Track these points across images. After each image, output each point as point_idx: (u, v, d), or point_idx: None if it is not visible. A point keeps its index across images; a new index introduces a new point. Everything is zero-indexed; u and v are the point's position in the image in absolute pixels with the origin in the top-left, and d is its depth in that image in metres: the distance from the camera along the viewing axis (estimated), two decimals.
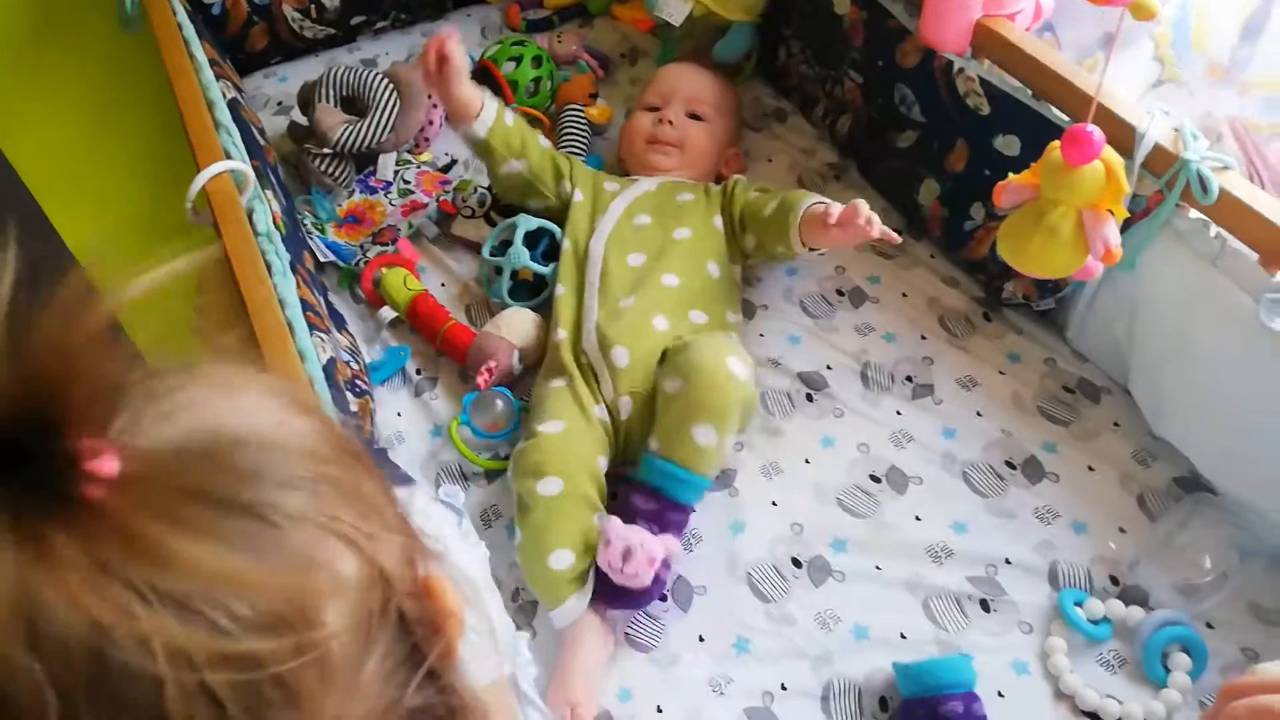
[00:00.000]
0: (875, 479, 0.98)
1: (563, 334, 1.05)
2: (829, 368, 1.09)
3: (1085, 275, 0.84)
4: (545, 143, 1.21)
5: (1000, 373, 1.08)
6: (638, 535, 0.86)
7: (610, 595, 0.88)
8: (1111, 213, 0.79)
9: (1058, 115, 1.00)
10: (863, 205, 0.99)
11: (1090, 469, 0.99)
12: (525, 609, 0.93)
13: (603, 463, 0.98)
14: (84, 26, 1.41)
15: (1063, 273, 0.84)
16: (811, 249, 1.07)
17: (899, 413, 1.05)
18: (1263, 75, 1.10)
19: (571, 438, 0.96)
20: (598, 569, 0.87)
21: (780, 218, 1.07)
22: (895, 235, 1.01)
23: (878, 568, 0.92)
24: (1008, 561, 0.92)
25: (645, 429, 0.97)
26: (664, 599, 0.91)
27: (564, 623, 0.88)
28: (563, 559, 0.89)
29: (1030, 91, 1.03)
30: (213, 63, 1.08)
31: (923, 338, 1.12)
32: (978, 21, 1.07)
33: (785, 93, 1.45)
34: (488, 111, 1.13)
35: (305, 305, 0.85)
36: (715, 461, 0.93)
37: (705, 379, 0.92)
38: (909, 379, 1.08)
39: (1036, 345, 1.10)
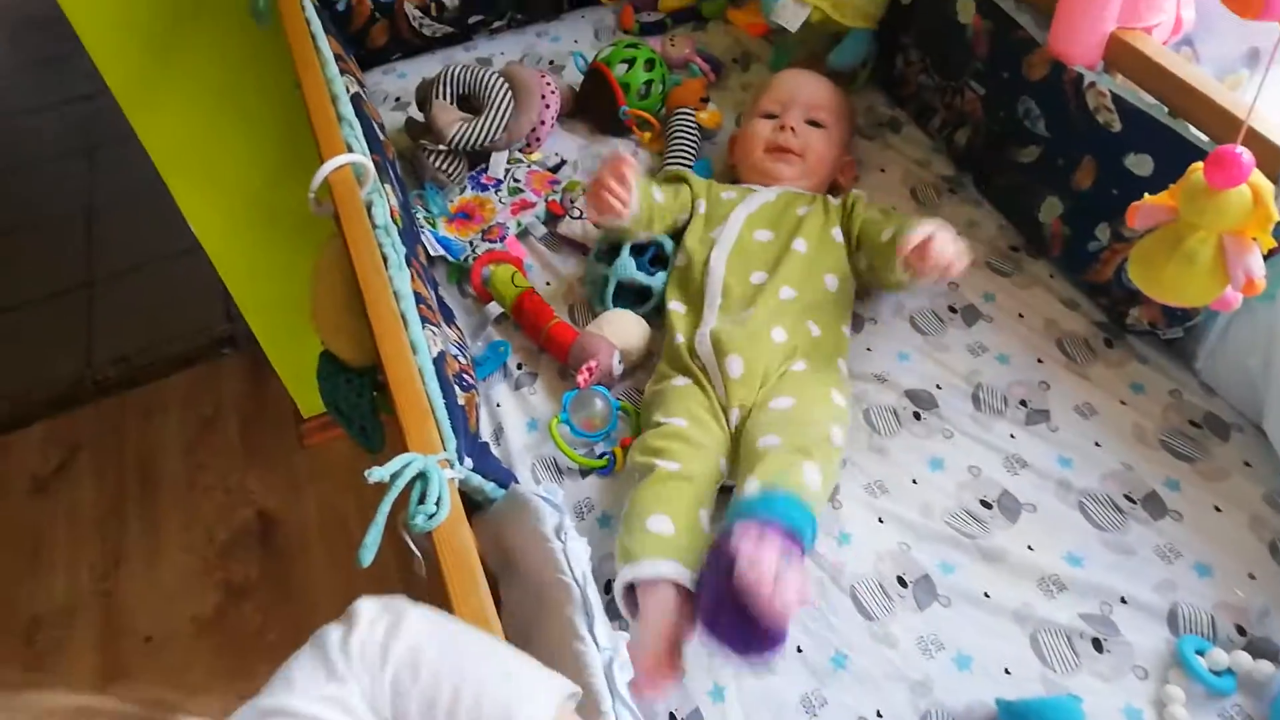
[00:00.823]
0: (986, 504, 0.95)
1: (680, 338, 1.05)
2: (939, 387, 1.06)
3: (1223, 306, 0.79)
4: (660, 196, 1.15)
5: (1121, 402, 1.03)
6: (784, 564, 0.76)
7: (726, 630, 0.77)
8: (1256, 241, 0.75)
9: (1196, 135, 0.95)
10: (939, 241, 0.98)
11: (1217, 509, 0.93)
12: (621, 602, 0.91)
13: (723, 465, 0.96)
14: (218, 17, 1.46)
15: (1199, 302, 0.79)
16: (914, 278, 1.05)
17: (1012, 436, 1.01)
18: None
19: (695, 433, 0.95)
20: (704, 587, 0.82)
21: (888, 249, 1.05)
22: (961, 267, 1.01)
23: (986, 595, 0.89)
24: (1124, 600, 0.88)
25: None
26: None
27: (641, 574, 0.84)
28: (661, 523, 0.87)
29: (1167, 109, 0.99)
30: (337, 58, 1.11)
31: (1039, 361, 1.07)
32: (1112, 34, 1.03)
33: (901, 102, 1.41)
34: (630, 209, 1.09)
35: (418, 298, 0.86)
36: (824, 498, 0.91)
37: (815, 414, 0.92)
38: (1023, 403, 1.04)
39: (1161, 375, 1.05)
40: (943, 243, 0.99)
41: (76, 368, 2.40)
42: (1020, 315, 1.12)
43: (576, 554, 0.79)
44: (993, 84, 1.19)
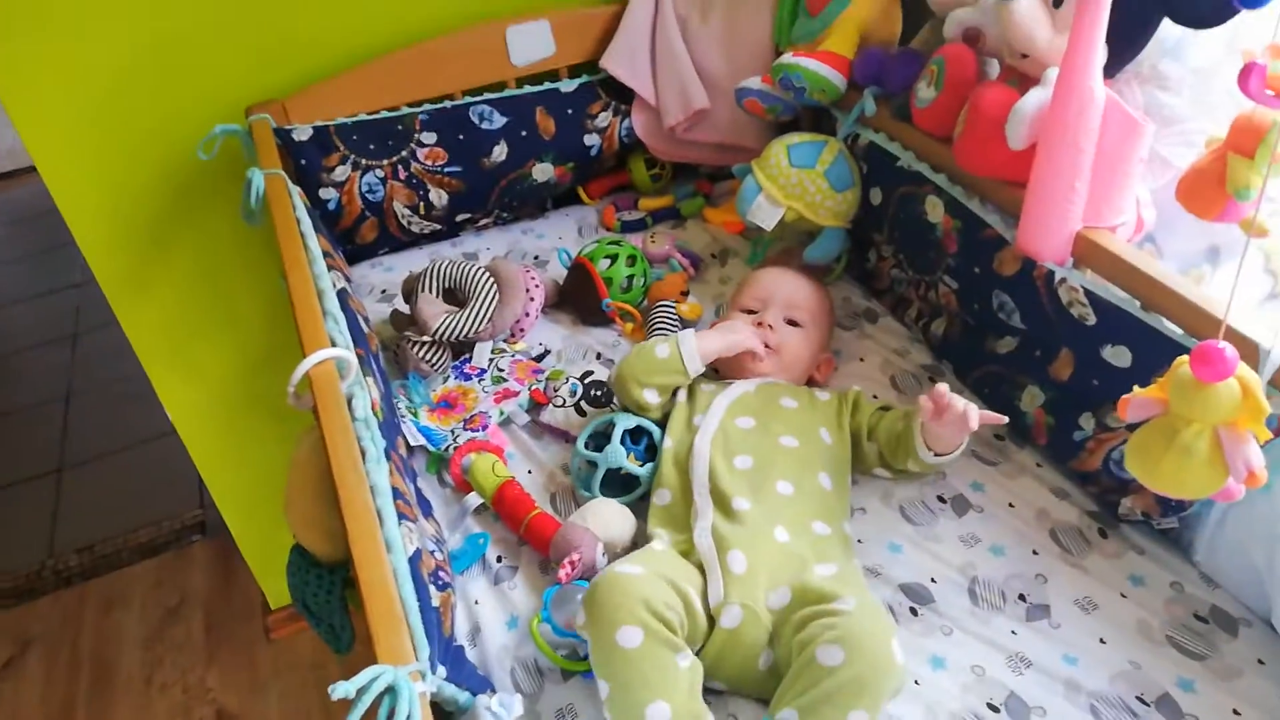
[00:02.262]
0: (993, 708, 0.89)
1: (663, 538, 1.01)
2: (933, 580, 1.02)
3: (1226, 497, 0.78)
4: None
5: (1122, 595, 1.00)
6: None
7: None
8: (1252, 432, 0.74)
9: (1170, 328, 0.97)
10: (946, 397, 1.02)
11: (1236, 713, 0.88)
12: None
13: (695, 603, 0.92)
14: (207, 214, 1.51)
15: (1202, 494, 0.78)
16: (938, 454, 1.06)
17: (1013, 633, 0.96)
18: None
19: (653, 577, 0.90)
20: None
21: (907, 431, 1.07)
22: (998, 417, 1.03)
23: None
24: None
25: (746, 657, 0.91)
26: None
27: None
28: (660, 713, 0.82)
29: (1139, 303, 1.01)
30: (326, 254, 1.13)
31: (1034, 553, 1.04)
32: (1078, 233, 1.07)
33: (877, 294, 1.45)
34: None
35: (396, 493, 0.83)
36: None
37: (873, 663, 0.82)
38: (1022, 597, 1.00)
39: (1160, 567, 1.02)
40: (953, 397, 1.02)
41: (37, 557, 2.31)
42: (1011, 505, 1.10)
43: None
44: (966, 279, 1.22)
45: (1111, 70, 1.06)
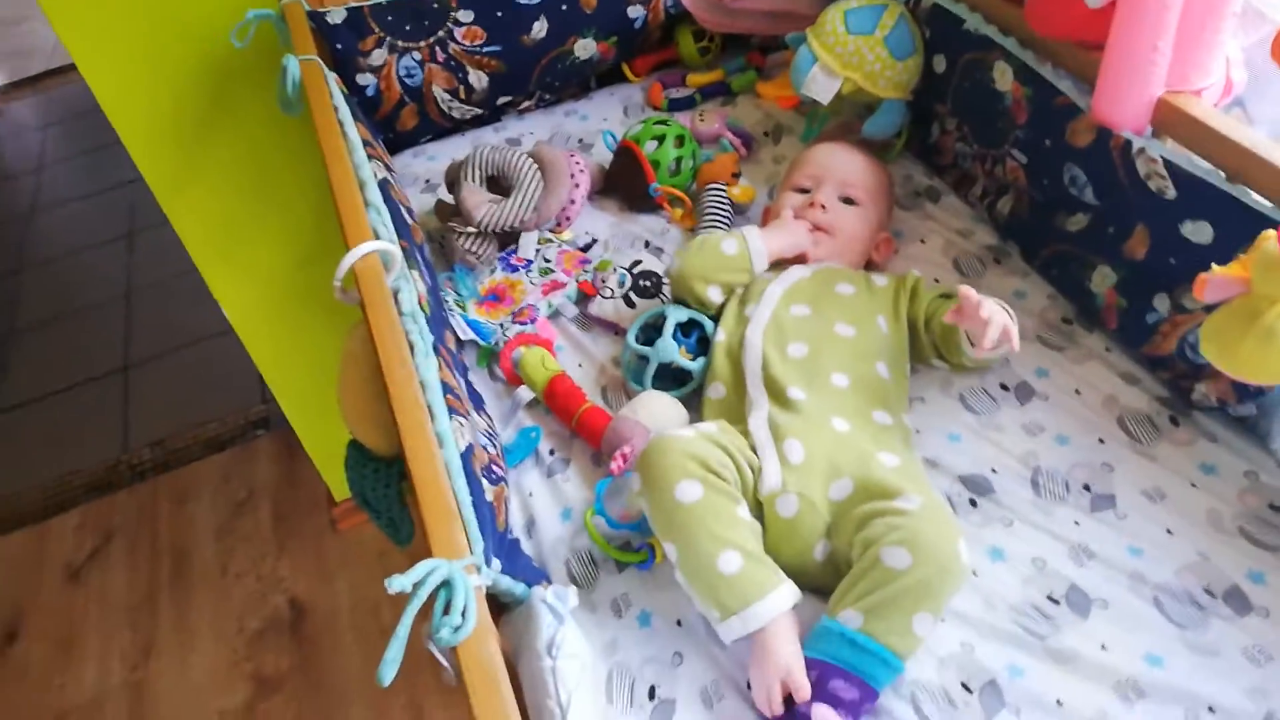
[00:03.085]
0: (1053, 600, 0.88)
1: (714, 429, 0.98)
2: (994, 471, 1.00)
3: None
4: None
5: (1192, 485, 0.96)
6: None
7: None
8: None
9: (1258, 200, 0.90)
10: (974, 299, 0.96)
11: None
12: (662, 708, 0.85)
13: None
14: (249, 106, 1.48)
15: None
16: (981, 354, 1.01)
17: (1076, 524, 0.94)
18: None
19: (704, 439, 0.90)
20: None
21: (955, 329, 1.03)
22: (1014, 342, 0.97)
23: (1059, 702, 0.81)
24: (1211, 710, 0.80)
25: (802, 548, 0.90)
26: None
27: (756, 624, 0.81)
28: (731, 561, 0.83)
29: (1224, 174, 0.94)
30: (366, 144, 1.10)
31: (1100, 441, 1.01)
32: (1160, 98, 0.99)
33: (939, 170, 1.38)
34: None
35: (446, 388, 0.82)
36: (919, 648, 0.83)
37: (940, 565, 0.80)
38: (1086, 487, 0.97)
39: (1234, 455, 0.98)
40: (988, 304, 0.96)
41: (112, 452, 2.40)
42: (1077, 392, 1.06)
43: (565, 674, 0.75)
44: (1035, 152, 1.15)
45: None
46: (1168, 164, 0.97)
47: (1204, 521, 0.93)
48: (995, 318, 0.95)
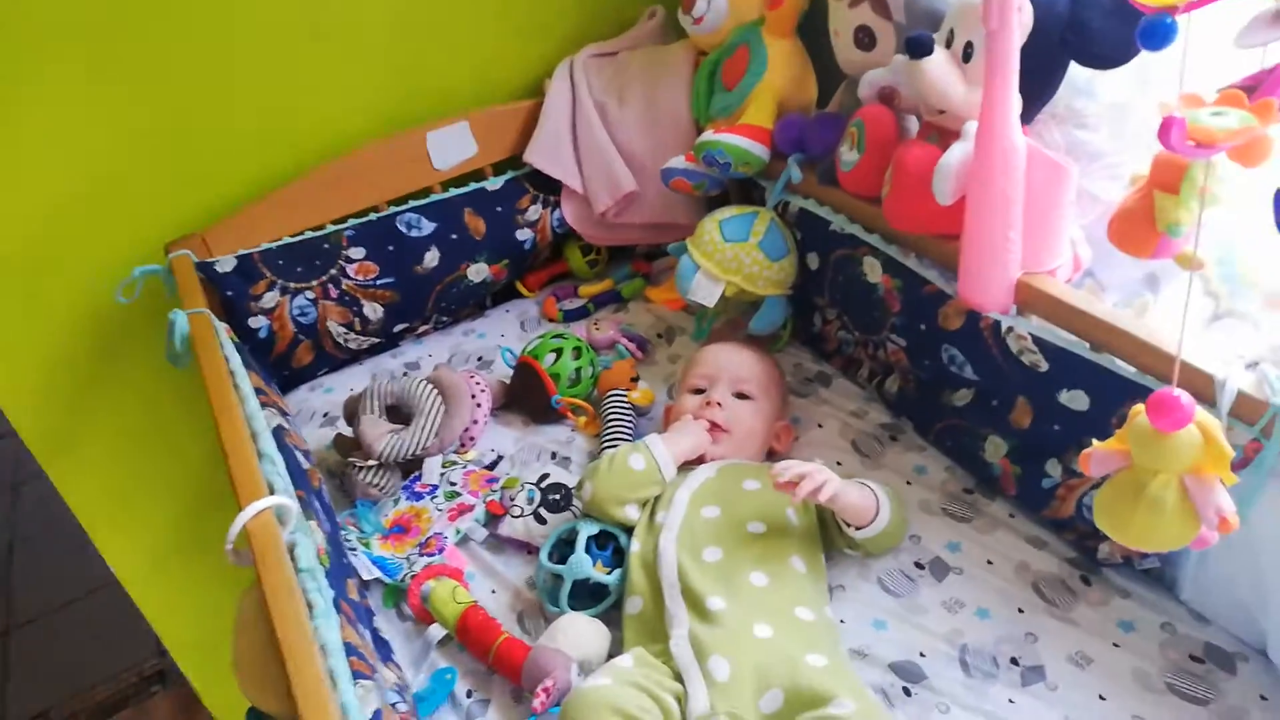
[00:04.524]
0: None
1: (634, 654, 0.95)
2: (922, 655, 0.99)
3: (1201, 545, 0.76)
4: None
5: (1115, 645, 0.97)
6: None
7: None
8: (1219, 477, 0.72)
9: (1123, 367, 0.96)
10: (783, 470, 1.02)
11: None
12: None
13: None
14: (139, 358, 1.46)
15: (1176, 545, 0.75)
16: (859, 529, 1.05)
17: (1011, 701, 0.93)
18: None
19: (624, 685, 0.86)
20: None
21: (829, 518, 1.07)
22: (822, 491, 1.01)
23: None
24: None
25: None
26: None
27: None
28: None
29: (1088, 345, 1.00)
30: (259, 391, 1.09)
31: (1020, 611, 1.01)
32: (1019, 280, 1.06)
33: (827, 356, 1.43)
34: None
35: (349, 648, 0.78)
36: None
37: None
38: (1014, 661, 0.96)
39: (1149, 609, 0.99)
40: (798, 465, 1.02)
41: None
42: (990, 562, 1.08)
43: None
44: (913, 336, 1.21)
45: (1028, 116, 1.07)
46: (1036, 339, 1.03)
47: (1132, 682, 0.93)
48: (789, 471, 1.01)
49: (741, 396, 1.23)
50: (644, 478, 1.12)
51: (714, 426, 1.19)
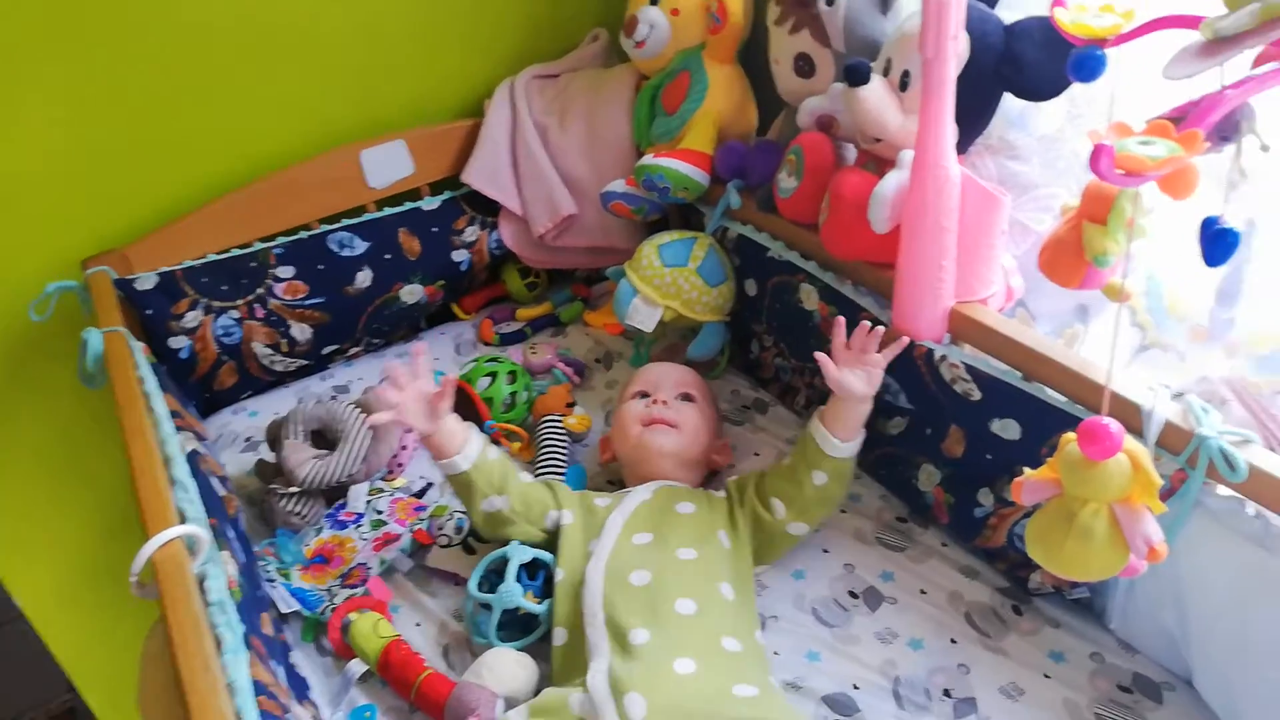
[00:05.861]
0: None
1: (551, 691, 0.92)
2: (856, 687, 0.97)
3: (1130, 574, 0.76)
4: (527, 477, 1.13)
5: (1045, 675, 0.96)
6: None
7: None
8: (1147, 506, 0.72)
9: (1053, 396, 0.96)
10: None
11: None
12: None
13: None
14: (52, 378, 1.39)
15: (1106, 574, 0.75)
16: (844, 440, 1.08)
17: None
18: (1248, 336, 1.08)
19: None
20: None
21: (803, 441, 1.10)
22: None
23: None
24: None
25: None
26: None
27: None
28: None
29: (1020, 374, 1.01)
30: (175, 414, 1.04)
31: (953, 641, 1.01)
32: (952, 309, 1.07)
33: (763, 383, 1.43)
34: (472, 445, 1.08)
35: (259, 687, 0.74)
36: None
37: None
38: (947, 693, 0.96)
39: (1078, 639, 1.00)
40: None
41: None
42: (923, 591, 1.07)
43: None
44: None
45: (963, 146, 1.08)
46: (969, 368, 1.03)
47: (1063, 713, 0.93)
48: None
49: (685, 398, 1.24)
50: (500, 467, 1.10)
51: (661, 421, 1.19)
